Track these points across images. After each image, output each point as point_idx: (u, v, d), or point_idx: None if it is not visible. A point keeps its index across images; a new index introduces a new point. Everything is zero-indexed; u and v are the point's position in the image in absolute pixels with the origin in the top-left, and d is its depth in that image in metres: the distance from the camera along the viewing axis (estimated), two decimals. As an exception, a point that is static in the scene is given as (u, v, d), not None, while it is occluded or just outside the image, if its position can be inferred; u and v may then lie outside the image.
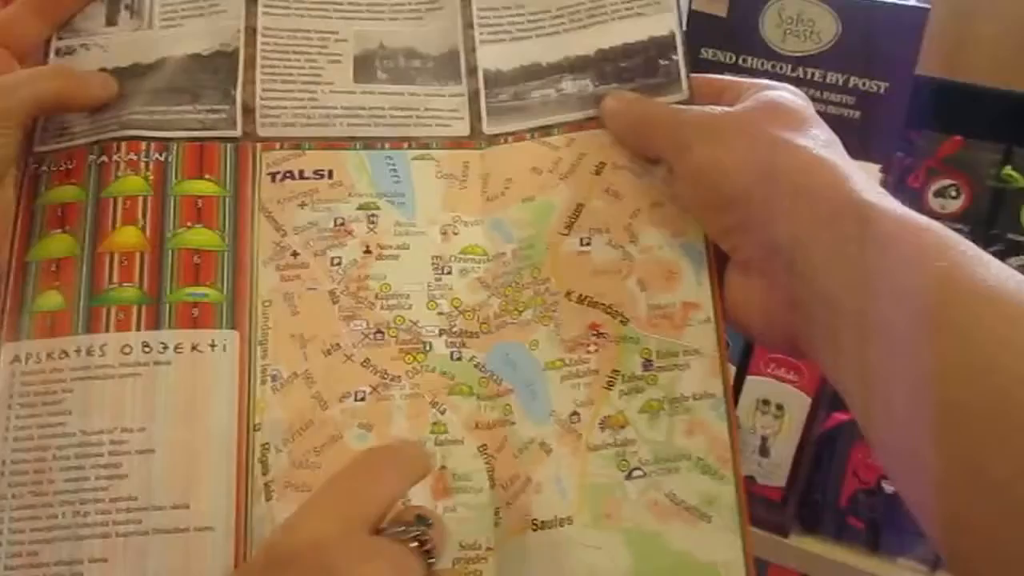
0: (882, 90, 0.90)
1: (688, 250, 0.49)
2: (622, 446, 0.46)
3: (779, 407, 0.94)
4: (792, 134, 0.44)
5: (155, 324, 0.46)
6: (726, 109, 0.47)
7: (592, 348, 0.48)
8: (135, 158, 0.48)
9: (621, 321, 0.48)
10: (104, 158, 0.48)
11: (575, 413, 0.47)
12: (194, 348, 0.46)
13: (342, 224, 0.49)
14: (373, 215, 0.49)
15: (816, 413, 0.94)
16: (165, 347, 0.45)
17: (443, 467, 0.46)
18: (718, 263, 0.48)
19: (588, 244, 0.49)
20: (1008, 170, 0.91)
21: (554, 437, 0.46)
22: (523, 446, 0.46)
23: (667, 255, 0.49)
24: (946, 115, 0.95)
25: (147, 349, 0.45)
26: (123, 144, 0.48)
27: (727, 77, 0.51)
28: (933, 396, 0.37)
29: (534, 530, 0.45)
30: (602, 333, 0.48)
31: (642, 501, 0.46)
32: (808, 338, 0.44)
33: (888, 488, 0.89)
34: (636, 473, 0.46)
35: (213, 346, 0.46)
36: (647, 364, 0.47)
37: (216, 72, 0.50)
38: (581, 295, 0.48)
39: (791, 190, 0.42)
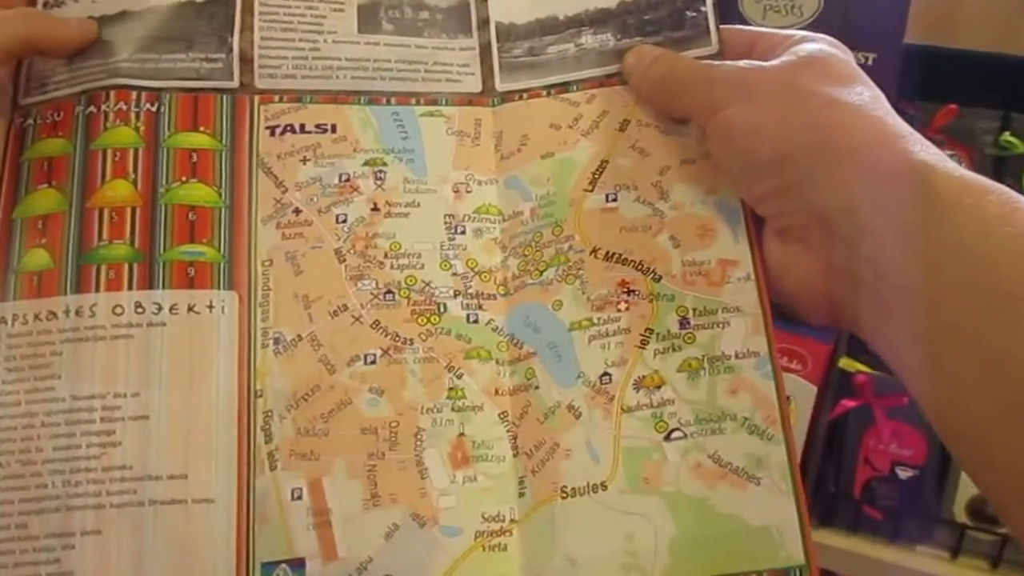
0: (870, 61, 0.87)
1: (723, 207, 0.46)
2: (659, 407, 0.44)
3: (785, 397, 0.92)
4: (834, 90, 0.41)
5: (148, 284, 0.43)
6: (761, 64, 0.43)
7: (623, 306, 0.45)
8: (125, 108, 0.45)
9: (654, 278, 0.45)
10: (92, 108, 0.46)
11: (606, 374, 0.44)
12: (190, 309, 0.43)
13: (347, 180, 0.47)
14: (380, 171, 0.47)
15: (823, 402, 0.91)
16: (159, 308, 0.43)
17: (462, 434, 0.44)
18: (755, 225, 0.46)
19: (614, 200, 0.46)
20: (1007, 136, 0.90)
21: (583, 400, 0.44)
22: (548, 411, 0.44)
23: (700, 212, 0.46)
24: (940, 84, 0.92)
25: (140, 310, 0.43)
26: (112, 93, 0.46)
27: (760, 28, 0.48)
28: (1008, 373, 0.34)
29: (564, 498, 0.43)
30: (633, 290, 0.45)
31: (684, 464, 0.43)
32: (851, 307, 0.41)
33: (902, 475, 0.87)
34: (676, 435, 0.43)
35: (211, 307, 0.43)
36: (684, 322, 0.45)
37: (212, 18, 0.48)
38: (608, 252, 0.46)
39: (836, 151, 0.40)
